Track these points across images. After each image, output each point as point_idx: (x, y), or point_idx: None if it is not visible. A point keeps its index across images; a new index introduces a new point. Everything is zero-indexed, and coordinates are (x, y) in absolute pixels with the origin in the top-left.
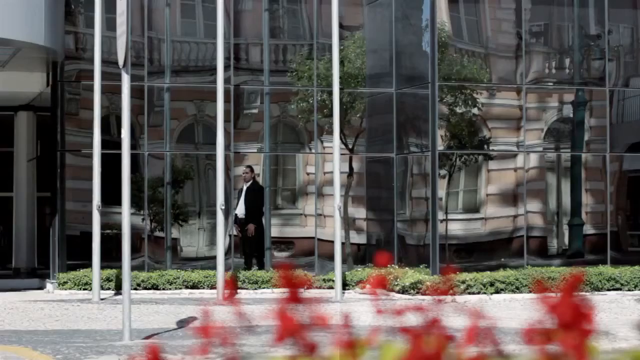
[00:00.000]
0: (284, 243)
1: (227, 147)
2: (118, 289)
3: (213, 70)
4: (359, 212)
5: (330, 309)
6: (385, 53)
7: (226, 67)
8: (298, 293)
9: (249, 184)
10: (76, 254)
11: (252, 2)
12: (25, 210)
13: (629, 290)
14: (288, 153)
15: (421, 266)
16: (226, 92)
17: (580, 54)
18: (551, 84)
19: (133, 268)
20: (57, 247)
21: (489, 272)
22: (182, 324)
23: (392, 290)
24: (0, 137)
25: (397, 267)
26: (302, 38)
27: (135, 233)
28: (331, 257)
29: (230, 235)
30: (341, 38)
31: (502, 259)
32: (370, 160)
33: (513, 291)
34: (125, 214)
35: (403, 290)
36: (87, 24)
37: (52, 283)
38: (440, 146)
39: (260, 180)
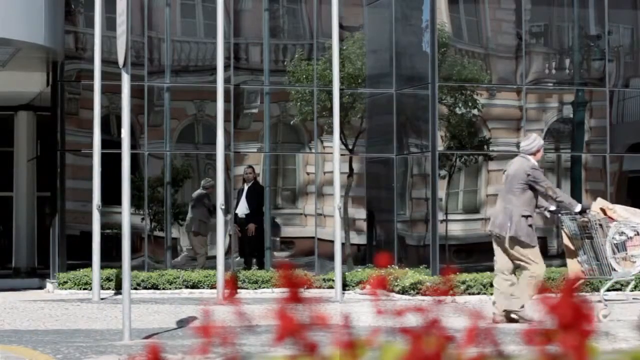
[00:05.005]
0: (284, 243)
1: (227, 147)
2: (118, 288)
3: (213, 70)
4: (359, 213)
5: (330, 309)
6: (385, 53)
7: (226, 67)
8: (298, 293)
9: (250, 184)
10: (76, 254)
11: (252, 2)
12: (25, 210)
13: (629, 290)
14: (288, 153)
15: (421, 267)
16: (226, 92)
17: (580, 55)
18: (551, 84)
19: (133, 268)
20: (57, 247)
21: (489, 273)
22: (182, 323)
23: (392, 291)
24: (0, 137)
25: (397, 267)
26: (302, 38)
27: (135, 233)
28: (331, 257)
29: (230, 235)
30: (341, 38)
31: None
32: (370, 161)
33: None
34: (125, 214)
35: (403, 291)
36: (87, 23)
37: (52, 283)
38: (440, 147)
39: (260, 180)
